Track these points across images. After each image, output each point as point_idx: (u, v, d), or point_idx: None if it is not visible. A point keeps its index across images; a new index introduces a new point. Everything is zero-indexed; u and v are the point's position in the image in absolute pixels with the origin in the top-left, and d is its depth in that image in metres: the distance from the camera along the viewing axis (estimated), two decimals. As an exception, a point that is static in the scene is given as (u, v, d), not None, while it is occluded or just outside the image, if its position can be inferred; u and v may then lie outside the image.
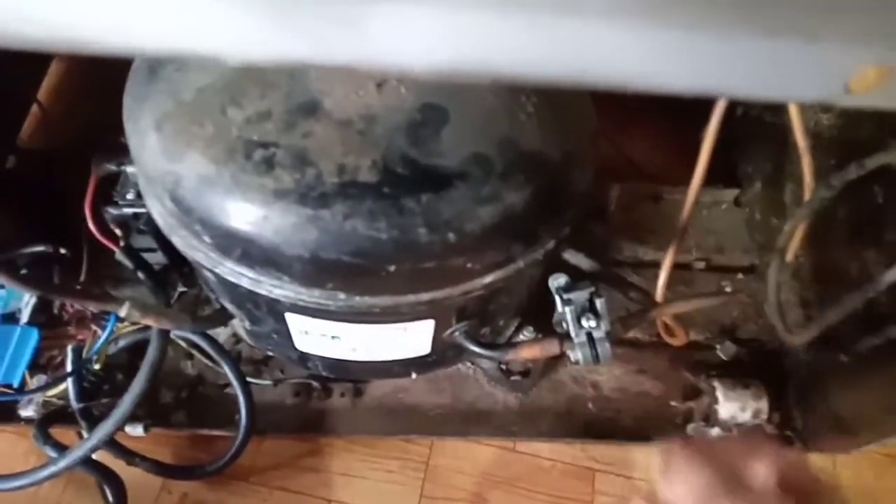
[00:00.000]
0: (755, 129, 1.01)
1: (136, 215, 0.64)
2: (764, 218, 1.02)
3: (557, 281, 0.65)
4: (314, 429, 0.88)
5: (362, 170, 0.50)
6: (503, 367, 0.91)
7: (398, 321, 0.62)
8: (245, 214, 0.50)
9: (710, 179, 1.12)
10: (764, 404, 0.88)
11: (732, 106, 0.57)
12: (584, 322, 0.60)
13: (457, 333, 0.67)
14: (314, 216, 0.49)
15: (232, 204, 0.51)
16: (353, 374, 0.83)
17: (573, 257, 0.69)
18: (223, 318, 0.71)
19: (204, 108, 0.52)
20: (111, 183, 0.65)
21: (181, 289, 0.79)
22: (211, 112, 0.52)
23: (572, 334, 0.62)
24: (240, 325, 0.75)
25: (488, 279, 0.58)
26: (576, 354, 0.63)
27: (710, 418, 0.90)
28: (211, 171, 0.51)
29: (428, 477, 0.88)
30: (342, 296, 0.56)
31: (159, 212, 0.58)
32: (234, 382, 0.81)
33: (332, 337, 0.65)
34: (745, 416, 0.88)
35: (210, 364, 0.87)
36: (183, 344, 0.88)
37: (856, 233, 0.76)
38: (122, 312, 0.60)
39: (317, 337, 0.66)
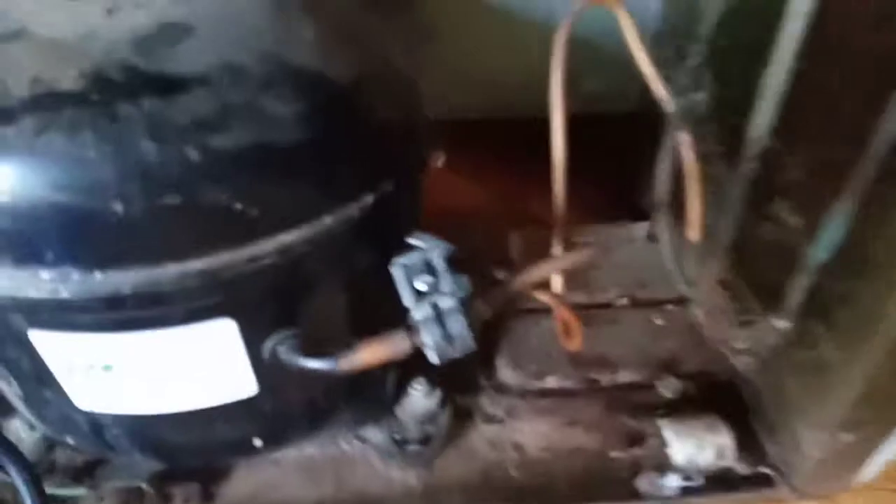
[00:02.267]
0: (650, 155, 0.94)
1: None
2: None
3: (396, 265, 0.52)
4: (149, 555, 0.66)
5: (64, 80, 0.39)
6: (396, 436, 0.72)
7: (179, 322, 0.47)
8: None
9: (619, 216, 1.03)
10: (726, 439, 0.70)
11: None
12: (418, 284, 0.46)
13: (278, 347, 0.51)
14: (-5, 137, 0.37)
15: None
16: (178, 453, 0.63)
17: (424, 242, 0.56)
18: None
19: None
20: None
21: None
22: None
23: (411, 310, 0.47)
24: (15, 398, 0.58)
25: (283, 238, 0.44)
26: (425, 339, 0.47)
27: (662, 466, 0.70)
28: None
29: None
30: (76, 274, 0.41)
31: None
32: (19, 485, 0.60)
33: (104, 368, 0.49)
34: (707, 457, 0.69)
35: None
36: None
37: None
38: None
39: (85, 375, 0.49)
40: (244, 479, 0.71)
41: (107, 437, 0.57)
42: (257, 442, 0.60)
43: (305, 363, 0.50)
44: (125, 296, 0.42)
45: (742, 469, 0.70)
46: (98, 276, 0.42)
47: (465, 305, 0.47)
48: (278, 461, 0.72)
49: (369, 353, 0.49)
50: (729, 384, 0.80)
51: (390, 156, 0.50)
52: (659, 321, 0.88)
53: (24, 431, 0.68)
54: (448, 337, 0.46)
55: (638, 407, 0.78)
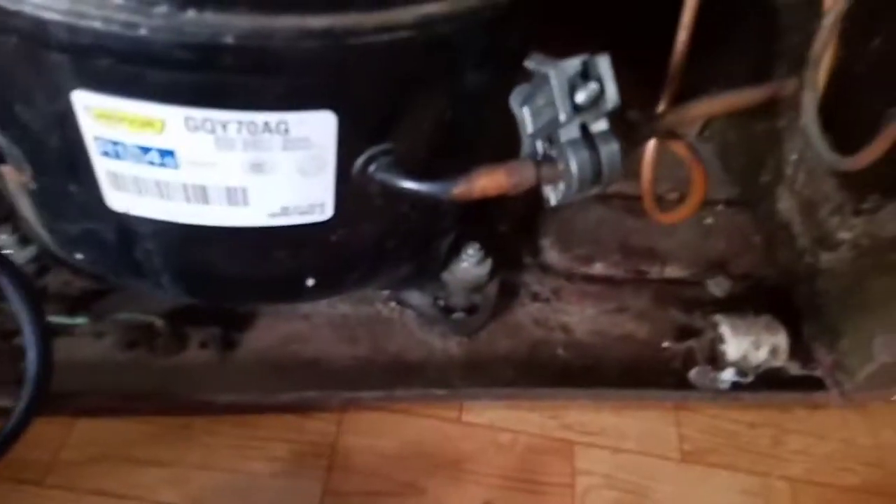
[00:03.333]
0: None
1: None
2: (740, 143, 0.86)
3: (522, 93, 0.43)
4: (158, 399, 0.58)
5: None
6: (441, 303, 0.66)
7: (272, 104, 0.37)
8: None
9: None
10: (782, 339, 0.67)
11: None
12: (580, 96, 0.38)
13: (374, 162, 0.43)
14: None
15: None
16: (215, 285, 0.54)
17: (541, 65, 0.47)
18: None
19: None
20: None
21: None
22: None
23: (561, 128, 0.39)
24: (23, 194, 0.47)
25: (425, 7, 0.35)
26: (571, 164, 0.39)
27: (716, 360, 0.67)
28: None
29: (335, 464, 0.59)
30: (163, 5, 0.31)
31: None
32: (20, 313, 0.50)
33: (162, 154, 0.39)
34: (761, 356, 0.66)
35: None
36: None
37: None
38: None
39: (134, 163, 0.39)
40: (269, 329, 0.63)
41: (134, 253, 0.48)
42: (310, 281, 0.52)
43: (409, 184, 0.42)
44: (223, 46, 0.32)
45: (794, 370, 0.68)
46: (191, 13, 0.32)
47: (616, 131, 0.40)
48: (308, 315, 0.65)
49: (489, 180, 0.41)
50: (775, 288, 0.78)
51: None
52: (709, 220, 0.83)
53: (13, 246, 0.58)
54: (595, 163, 0.39)
55: (687, 301, 0.74)
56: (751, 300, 0.75)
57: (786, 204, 0.69)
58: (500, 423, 0.64)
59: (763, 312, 0.70)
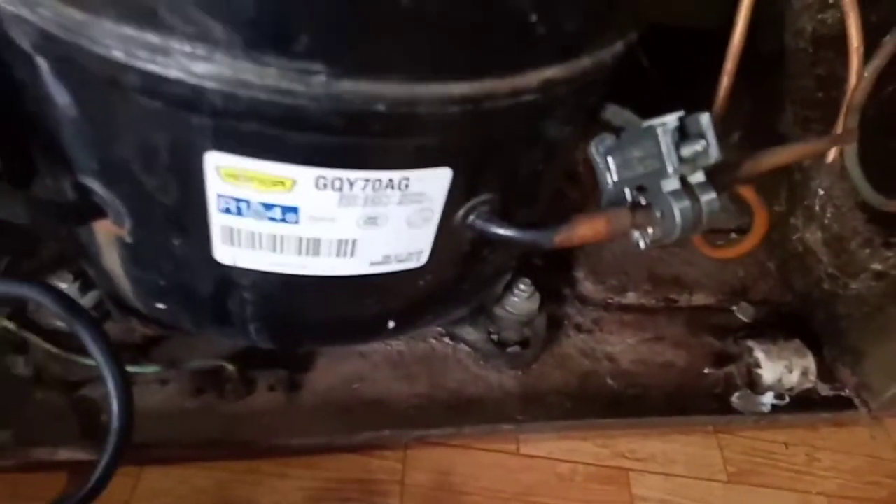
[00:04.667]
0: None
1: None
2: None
3: (604, 143, 0.46)
4: (228, 445, 0.58)
5: None
6: (494, 337, 0.68)
7: (400, 163, 0.39)
8: None
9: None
10: (810, 362, 0.71)
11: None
12: (686, 151, 0.40)
13: (472, 215, 0.44)
14: None
15: None
16: (301, 330, 0.54)
17: (617, 116, 0.50)
18: (84, 210, 0.43)
19: None
20: None
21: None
22: None
23: (666, 180, 0.41)
24: (112, 246, 0.47)
25: (547, 72, 0.37)
26: (659, 220, 0.42)
27: (754, 384, 0.71)
28: None
29: (405, 501, 0.60)
30: (321, 75, 0.32)
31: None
32: (103, 366, 0.50)
33: (283, 213, 0.40)
34: (794, 379, 0.70)
35: (55, 351, 0.56)
36: (11, 326, 0.56)
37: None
38: None
39: (255, 219, 0.40)
40: (330, 369, 0.63)
41: (227, 303, 0.48)
42: (391, 324, 0.53)
43: (509, 233, 0.44)
44: (374, 113, 0.34)
45: (824, 391, 0.72)
46: (347, 83, 0.33)
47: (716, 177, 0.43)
48: (366, 354, 0.66)
49: (588, 228, 0.44)
50: (791, 313, 0.82)
51: (640, 3, 0.43)
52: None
53: (74, 294, 0.57)
54: (696, 211, 0.42)
55: (718, 328, 0.78)
56: (773, 325, 0.79)
57: (810, 236, 0.73)
58: (557, 455, 0.66)
59: (790, 337, 0.74)
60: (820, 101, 0.76)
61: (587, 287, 0.78)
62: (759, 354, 0.71)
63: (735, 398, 0.70)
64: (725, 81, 0.60)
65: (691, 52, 0.91)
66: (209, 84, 0.33)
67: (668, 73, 0.94)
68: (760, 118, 0.87)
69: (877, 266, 0.63)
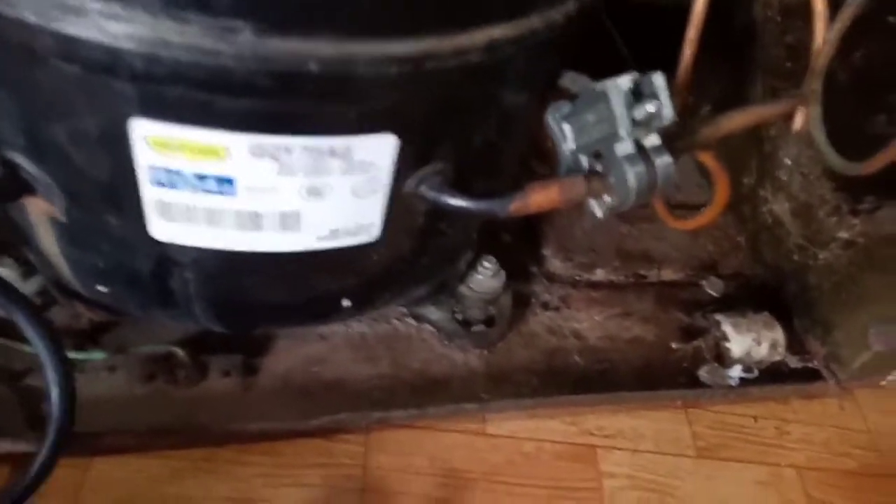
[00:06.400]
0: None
1: None
2: (718, 146, 0.90)
3: (560, 110, 0.45)
4: (183, 432, 0.56)
5: None
6: (458, 316, 0.66)
7: (341, 128, 0.37)
8: None
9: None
10: (779, 334, 0.71)
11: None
12: (638, 112, 0.39)
13: (424, 185, 0.43)
14: None
15: None
16: (249, 311, 0.52)
17: (575, 83, 0.48)
18: (12, 187, 0.40)
19: None
20: None
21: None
22: None
23: (619, 143, 0.40)
24: (47, 226, 0.45)
25: (492, 31, 0.36)
26: (629, 177, 0.41)
27: (723, 358, 0.70)
28: None
29: (368, 485, 0.58)
30: (246, 32, 0.30)
31: None
32: (42, 352, 0.47)
33: (220, 182, 0.38)
34: (762, 351, 0.70)
35: (-4, 339, 0.53)
36: (-53, 313, 0.54)
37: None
38: None
39: (191, 192, 0.38)
40: (289, 352, 0.62)
41: (170, 282, 0.46)
42: (346, 302, 0.51)
43: (462, 203, 0.43)
44: (306, 74, 0.32)
45: (792, 363, 0.72)
46: (275, 40, 0.31)
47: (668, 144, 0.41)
48: (326, 336, 0.64)
49: (543, 196, 0.42)
50: (763, 285, 0.82)
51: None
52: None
53: (16, 280, 0.54)
54: (651, 175, 0.40)
55: (687, 302, 0.77)
56: (743, 298, 0.79)
57: (778, 206, 0.73)
58: (523, 433, 0.65)
59: (759, 310, 0.74)
60: (790, 70, 0.75)
61: (555, 264, 0.77)
62: (727, 328, 0.70)
63: (703, 372, 0.69)
64: (687, 50, 0.58)
65: (665, 29, 0.90)
66: (127, 45, 0.31)
67: (641, 50, 0.93)
68: (731, 91, 0.86)
69: (844, 234, 0.62)
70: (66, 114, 0.36)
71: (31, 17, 0.31)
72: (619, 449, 0.66)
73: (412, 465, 0.60)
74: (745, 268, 0.83)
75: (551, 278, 0.76)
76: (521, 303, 0.71)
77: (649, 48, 0.82)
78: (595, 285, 0.77)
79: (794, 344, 0.74)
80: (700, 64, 0.85)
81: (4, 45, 0.33)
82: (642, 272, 0.79)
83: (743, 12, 0.82)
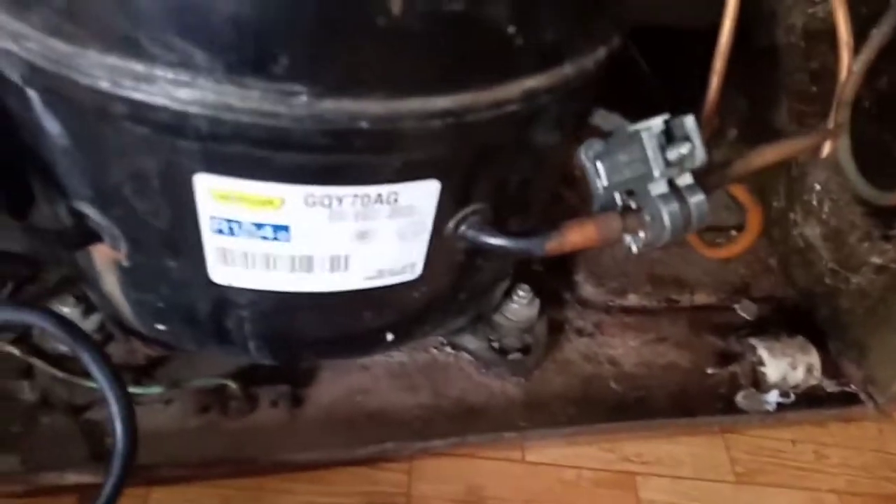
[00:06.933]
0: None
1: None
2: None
3: (593, 148, 0.46)
4: (233, 462, 0.58)
5: None
6: (495, 345, 0.68)
7: (387, 177, 0.39)
8: None
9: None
10: (815, 357, 0.71)
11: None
12: (671, 154, 0.41)
13: (464, 226, 0.45)
14: None
15: None
16: (300, 346, 0.55)
17: (606, 121, 0.50)
18: (80, 235, 0.44)
19: None
20: None
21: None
22: None
23: (653, 183, 0.41)
24: (110, 270, 0.48)
25: (528, 82, 0.38)
26: (664, 216, 0.42)
27: (759, 383, 0.70)
28: None
29: (411, 512, 0.60)
30: (303, 95, 0.33)
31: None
32: (106, 389, 0.50)
33: (276, 229, 0.40)
34: (798, 376, 0.70)
35: (60, 375, 0.56)
36: (15, 351, 0.57)
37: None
38: None
39: (247, 239, 0.41)
40: (332, 383, 0.64)
41: (226, 322, 0.49)
42: (389, 336, 0.54)
43: (500, 241, 0.45)
44: (357, 131, 0.35)
45: (829, 387, 0.72)
46: (330, 103, 0.34)
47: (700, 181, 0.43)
48: (366, 366, 0.66)
49: (578, 235, 0.44)
50: (795, 308, 0.82)
51: (622, 9, 0.44)
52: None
53: (77, 318, 0.58)
54: (685, 215, 0.42)
55: (720, 327, 0.77)
56: (776, 321, 0.79)
57: (809, 230, 0.73)
58: (562, 461, 0.66)
59: (793, 333, 0.74)
60: (815, 95, 0.76)
61: (587, 290, 0.78)
62: (763, 352, 0.70)
63: (740, 397, 0.69)
64: (714, 81, 0.60)
65: (687, 53, 0.91)
66: (193, 109, 0.33)
67: (664, 74, 0.95)
68: (756, 114, 0.87)
69: (876, 259, 0.62)
70: (134, 169, 0.39)
71: (104, 85, 0.34)
72: (658, 476, 0.67)
73: (453, 492, 0.62)
74: (777, 290, 0.83)
75: (584, 304, 0.77)
76: (556, 329, 0.73)
77: (673, 69, 0.84)
78: (628, 311, 0.78)
79: (830, 367, 0.74)
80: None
81: (79, 108, 0.36)
82: (674, 297, 0.80)
83: (763, 35, 0.83)
